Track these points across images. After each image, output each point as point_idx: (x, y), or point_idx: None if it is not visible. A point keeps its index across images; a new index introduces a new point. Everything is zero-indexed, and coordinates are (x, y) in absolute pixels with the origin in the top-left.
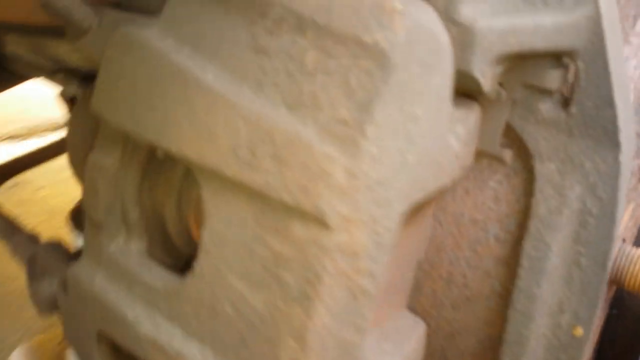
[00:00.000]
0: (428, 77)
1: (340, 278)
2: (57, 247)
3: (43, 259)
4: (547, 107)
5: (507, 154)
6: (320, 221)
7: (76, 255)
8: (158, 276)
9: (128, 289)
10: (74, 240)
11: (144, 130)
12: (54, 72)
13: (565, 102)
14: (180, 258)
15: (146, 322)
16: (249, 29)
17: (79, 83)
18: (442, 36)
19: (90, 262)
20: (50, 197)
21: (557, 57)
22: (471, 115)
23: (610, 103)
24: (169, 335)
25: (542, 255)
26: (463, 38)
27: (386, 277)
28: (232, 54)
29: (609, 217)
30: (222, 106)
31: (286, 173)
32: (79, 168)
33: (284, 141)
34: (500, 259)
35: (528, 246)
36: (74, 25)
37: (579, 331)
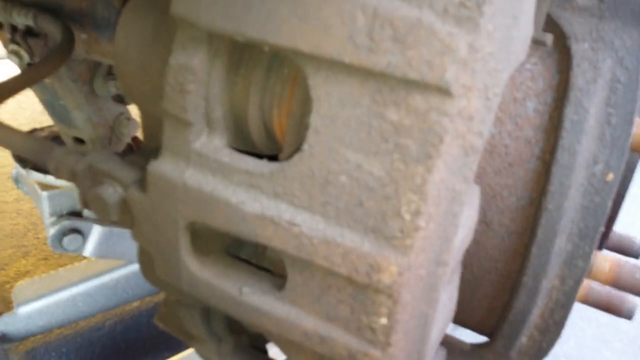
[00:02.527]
0: None
1: (458, 138)
2: (109, 154)
3: (100, 165)
4: None
5: (549, 37)
6: (443, 91)
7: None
8: (256, 163)
9: (225, 178)
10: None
11: (244, 29)
12: None
13: None
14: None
15: (251, 203)
16: None
17: None
18: None
19: (175, 159)
20: None
21: None
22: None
23: None
24: (277, 210)
25: (581, 118)
26: None
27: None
28: None
29: (634, 83)
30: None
31: (408, 52)
32: (137, 74)
33: (404, 25)
34: (539, 127)
35: (569, 111)
36: None
37: (610, 177)
